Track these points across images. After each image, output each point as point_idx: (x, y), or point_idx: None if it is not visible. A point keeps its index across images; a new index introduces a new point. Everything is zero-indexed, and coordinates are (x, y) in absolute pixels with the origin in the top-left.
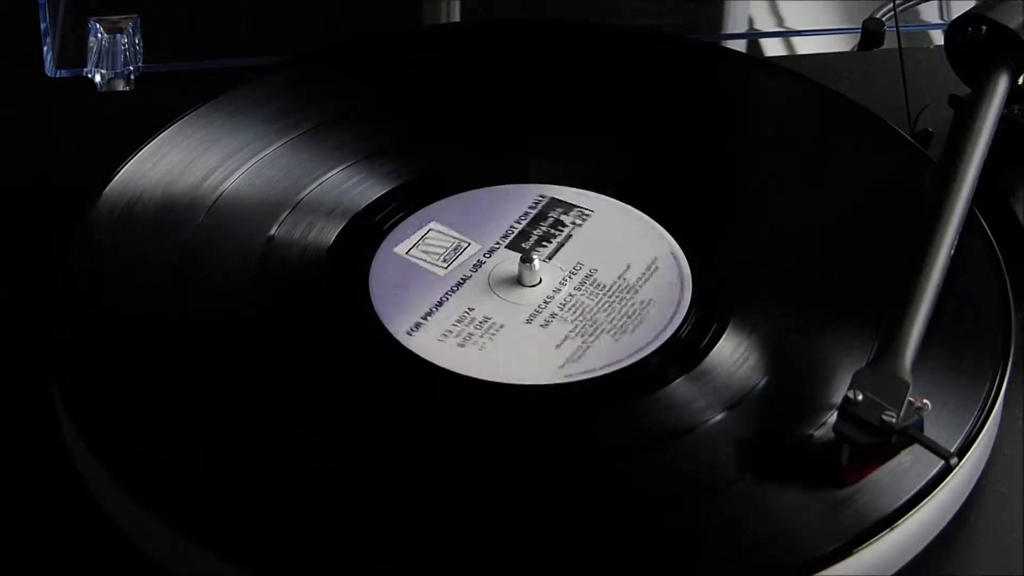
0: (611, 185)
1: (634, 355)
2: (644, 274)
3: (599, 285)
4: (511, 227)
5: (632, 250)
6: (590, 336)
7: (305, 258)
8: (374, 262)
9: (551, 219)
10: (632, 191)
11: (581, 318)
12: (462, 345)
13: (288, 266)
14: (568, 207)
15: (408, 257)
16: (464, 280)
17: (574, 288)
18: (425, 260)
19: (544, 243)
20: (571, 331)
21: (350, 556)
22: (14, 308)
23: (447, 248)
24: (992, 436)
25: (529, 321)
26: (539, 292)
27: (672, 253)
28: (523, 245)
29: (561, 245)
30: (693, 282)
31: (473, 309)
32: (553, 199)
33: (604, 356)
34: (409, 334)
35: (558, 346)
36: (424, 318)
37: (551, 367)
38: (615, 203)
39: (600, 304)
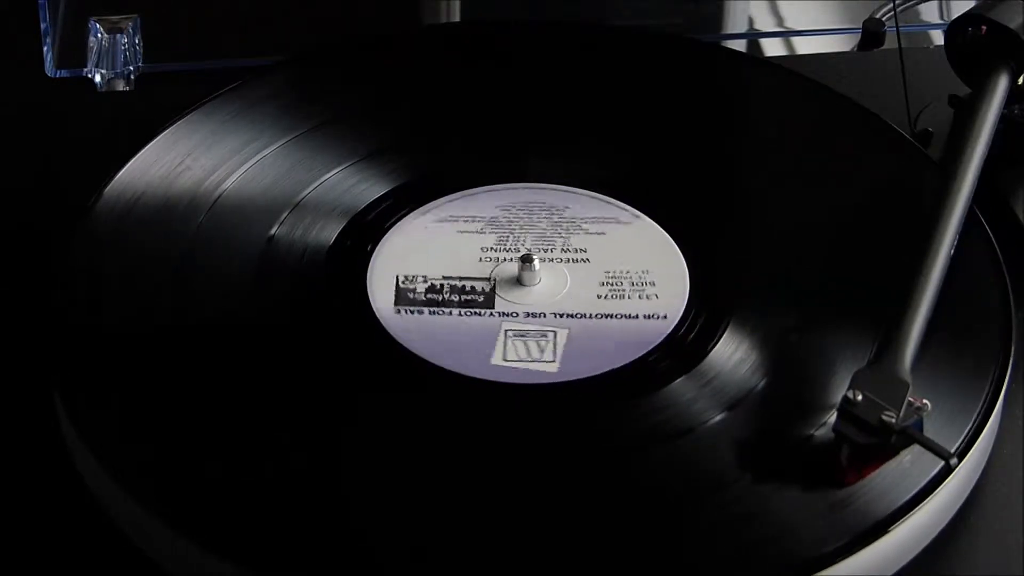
0: (611, 184)
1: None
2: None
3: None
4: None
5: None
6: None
7: (305, 258)
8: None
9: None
10: (632, 191)
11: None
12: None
13: (288, 266)
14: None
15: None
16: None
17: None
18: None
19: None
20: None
21: (350, 556)
22: (14, 308)
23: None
24: (992, 436)
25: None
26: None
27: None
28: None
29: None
30: (693, 282)
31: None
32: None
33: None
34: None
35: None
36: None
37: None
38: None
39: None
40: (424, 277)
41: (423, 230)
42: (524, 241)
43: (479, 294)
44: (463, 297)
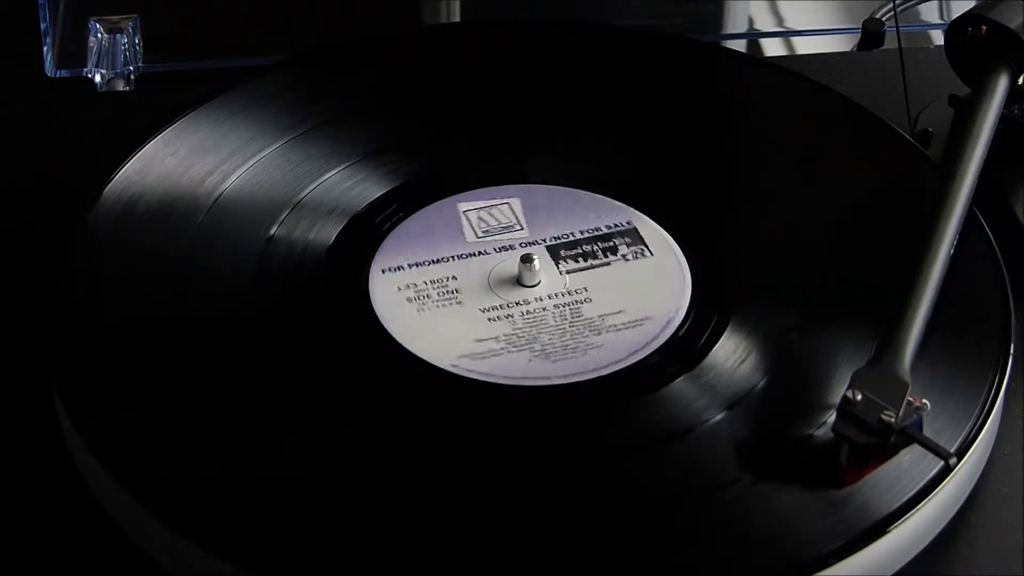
0: (611, 184)
1: (530, 379)
2: (623, 325)
3: (576, 313)
4: (571, 233)
5: (640, 301)
6: (514, 347)
7: (305, 258)
8: (431, 205)
9: (611, 244)
10: (632, 191)
11: (525, 329)
12: (410, 300)
13: (288, 266)
14: (637, 241)
15: (462, 215)
16: (478, 255)
17: (554, 305)
18: (470, 224)
19: (579, 259)
20: (505, 334)
21: (350, 556)
22: (14, 308)
23: (499, 224)
24: (992, 436)
25: (485, 311)
26: (524, 293)
27: (669, 319)
28: (561, 252)
29: (592, 268)
30: (693, 282)
31: (455, 279)
32: (634, 229)
33: (505, 368)
34: (383, 272)
35: (479, 340)
36: (408, 266)
37: (448, 353)
38: (678, 255)
39: (555, 327)
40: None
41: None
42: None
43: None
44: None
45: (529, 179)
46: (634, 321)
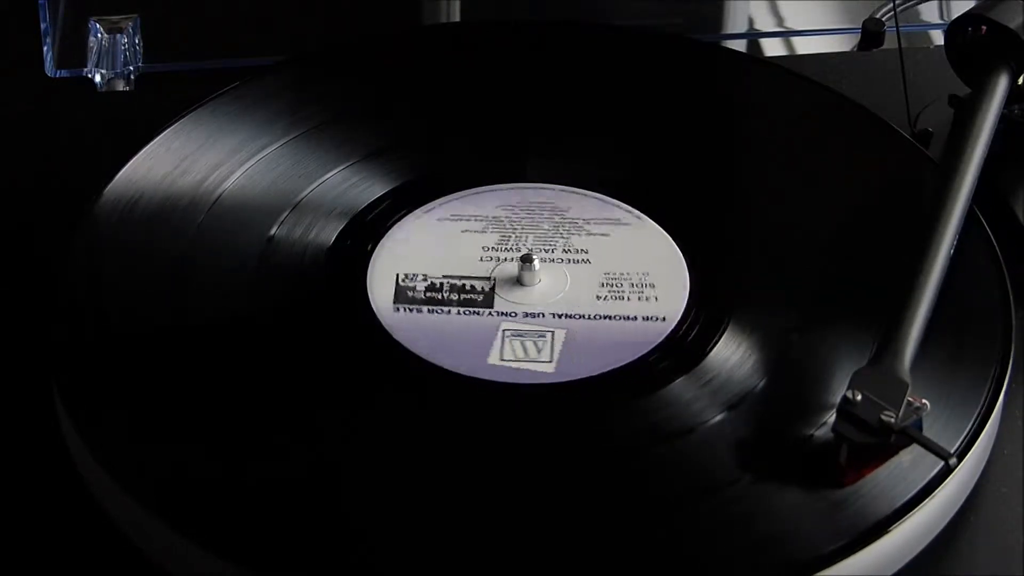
0: (610, 184)
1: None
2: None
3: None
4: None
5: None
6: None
7: (305, 258)
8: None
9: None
10: (632, 191)
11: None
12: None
13: (288, 266)
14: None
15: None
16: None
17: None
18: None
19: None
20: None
21: (350, 556)
22: (14, 308)
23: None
24: (992, 436)
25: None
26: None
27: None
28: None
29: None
30: (693, 281)
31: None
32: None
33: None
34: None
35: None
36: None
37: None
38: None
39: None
40: (424, 276)
41: (423, 230)
42: (525, 241)
43: (479, 293)
44: (463, 296)
45: (529, 179)
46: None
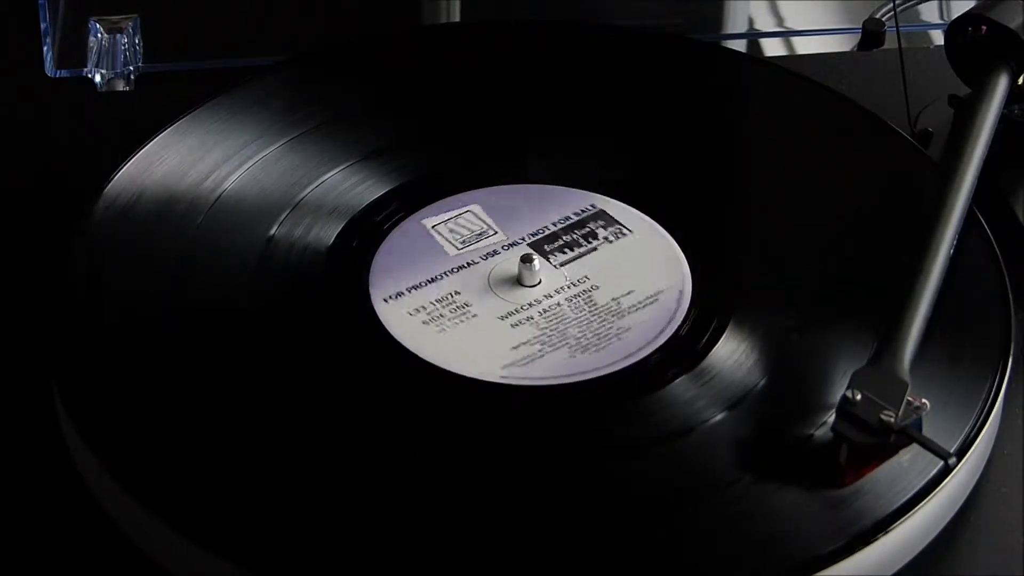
0: (611, 185)
1: (582, 374)
2: (640, 303)
3: (590, 302)
4: (545, 227)
5: (644, 277)
6: (549, 347)
7: (305, 258)
8: (397, 228)
9: (588, 229)
10: (632, 191)
11: (552, 327)
12: (426, 323)
13: (288, 266)
14: (611, 222)
15: (432, 231)
16: (468, 265)
17: (565, 298)
18: (444, 237)
19: (565, 250)
20: (535, 337)
21: (350, 556)
22: (14, 308)
23: (472, 232)
24: (992, 436)
25: (504, 318)
26: (531, 293)
27: (680, 290)
28: (545, 247)
29: (581, 256)
30: (693, 281)
31: (459, 293)
32: (601, 211)
33: (550, 368)
34: (386, 301)
35: (514, 347)
36: (408, 290)
37: (493, 365)
38: (657, 228)
39: (579, 319)
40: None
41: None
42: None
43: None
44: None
45: (529, 179)
46: (649, 297)
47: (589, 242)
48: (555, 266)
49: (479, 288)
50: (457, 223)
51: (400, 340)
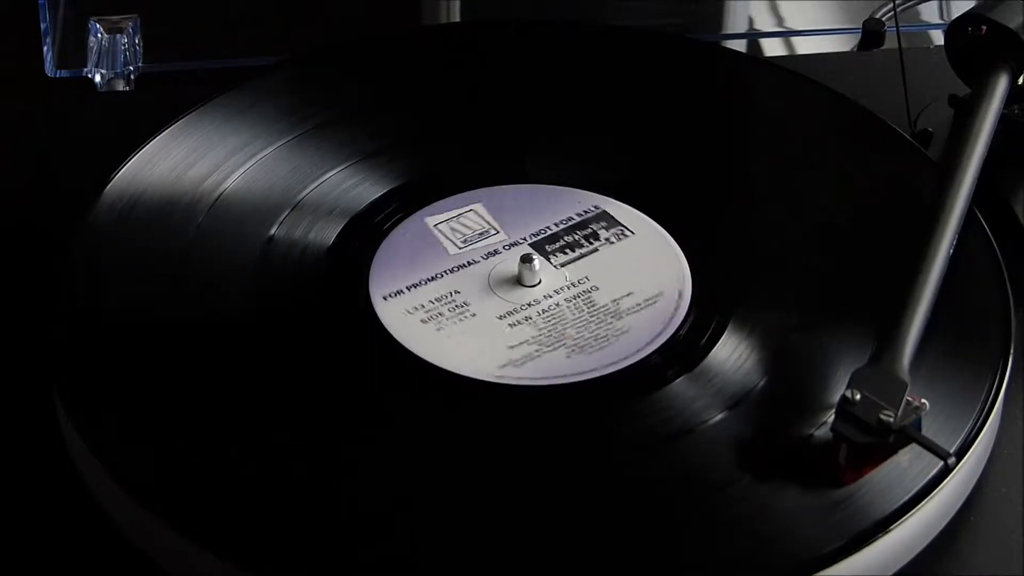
0: (611, 185)
1: (579, 374)
2: (639, 305)
3: (590, 303)
4: (547, 227)
5: (645, 279)
6: (546, 347)
7: (305, 258)
8: (399, 225)
9: (590, 230)
10: (632, 191)
11: (551, 328)
12: (424, 322)
13: (288, 266)
14: (613, 223)
15: (433, 229)
16: (468, 264)
17: (565, 299)
18: (445, 236)
19: (567, 250)
20: (533, 337)
21: (350, 556)
22: (14, 308)
23: (473, 231)
24: (992, 436)
25: (502, 317)
26: (531, 293)
27: (680, 291)
28: (546, 247)
29: (582, 257)
30: (693, 282)
31: (458, 293)
32: (604, 212)
33: (547, 369)
34: (385, 299)
35: (511, 347)
36: (408, 288)
37: (489, 364)
38: (658, 229)
39: (578, 320)
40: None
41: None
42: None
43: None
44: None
45: (529, 179)
46: (648, 299)
47: (591, 243)
48: (556, 266)
49: (479, 287)
50: (459, 222)
51: (397, 338)
